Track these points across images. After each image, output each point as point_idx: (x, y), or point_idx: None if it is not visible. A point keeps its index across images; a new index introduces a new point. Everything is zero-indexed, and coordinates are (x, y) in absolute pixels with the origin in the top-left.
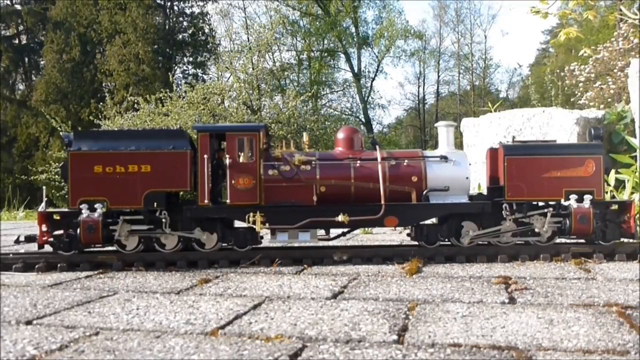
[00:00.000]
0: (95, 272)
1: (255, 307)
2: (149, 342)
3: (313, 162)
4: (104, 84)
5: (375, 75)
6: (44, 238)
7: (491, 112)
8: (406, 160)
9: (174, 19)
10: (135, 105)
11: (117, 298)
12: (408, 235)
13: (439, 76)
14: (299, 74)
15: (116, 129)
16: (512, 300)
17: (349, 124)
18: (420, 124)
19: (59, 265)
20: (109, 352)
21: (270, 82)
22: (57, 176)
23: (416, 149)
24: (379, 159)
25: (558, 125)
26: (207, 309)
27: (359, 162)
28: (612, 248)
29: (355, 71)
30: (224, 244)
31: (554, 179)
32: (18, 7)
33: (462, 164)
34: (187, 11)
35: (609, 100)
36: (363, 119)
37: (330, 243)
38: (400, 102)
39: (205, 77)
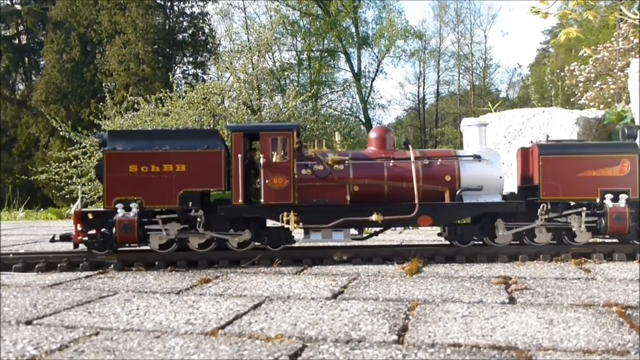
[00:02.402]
0: (95, 272)
1: (255, 307)
2: (149, 342)
3: (346, 162)
4: (104, 84)
5: (375, 75)
6: (79, 237)
7: (491, 112)
8: (439, 160)
9: (174, 19)
10: (135, 105)
11: (117, 298)
12: (439, 235)
13: (439, 76)
14: (299, 74)
15: (117, 129)
16: (512, 300)
17: (349, 124)
18: (420, 124)
19: (59, 265)
20: (109, 352)
21: (270, 82)
22: (57, 176)
23: (449, 149)
24: (412, 159)
25: (558, 125)
26: (207, 309)
27: (392, 161)
28: (612, 248)
29: (355, 71)
30: (256, 244)
31: (589, 178)
32: (18, 7)
33: (495, 163)
34: (187, 11)
35: (609, 100)
36: (363, 119)
37: (330, 243)
38: (400, 102)
39: (205, 77)
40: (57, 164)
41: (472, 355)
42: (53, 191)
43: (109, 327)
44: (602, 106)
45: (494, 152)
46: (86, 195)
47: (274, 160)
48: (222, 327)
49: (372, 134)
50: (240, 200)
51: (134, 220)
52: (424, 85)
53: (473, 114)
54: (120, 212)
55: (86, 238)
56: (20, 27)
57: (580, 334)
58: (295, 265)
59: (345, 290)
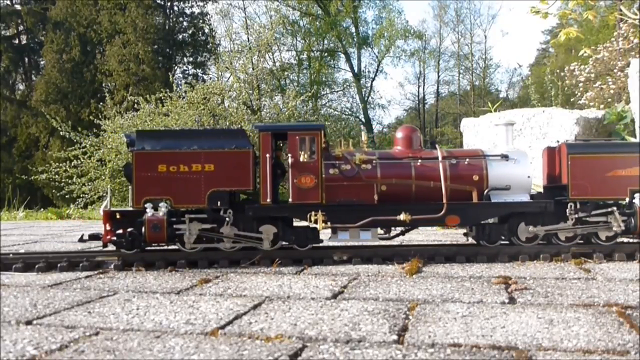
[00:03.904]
0: (95, 272)
1: (255, 307)
2: (149, 342)
3: (374, 161)
4: (104, 84)
5: (375, 75)
6: (108, 237)
7: (491, 112)
8: (467, 159)
9: (174, 19)
10: (135, 105)
11: (117, 298)
12: (465, 234)
13: (439, 76)
14: (299, 74)
15: (117, 128)
16: (512, 300)
17: (349, 124)
18: (420, 124)
19: (59, 265)
20: (109, 352)
21: (270, 82)
22: (57, 176)
23: (476, 148)
24: (440, 158)
25: (558, 125)
26: (207, 309)
27: (419, 161)
28: (612, 248)
29: (355, 71)
30: (284, 243)
31: (619, 177)
32: (18, 7)
33: (523, 162)
34: (187, 11)
35: (609, 100)
36: (363, 119)
37: (330, 243)
38: (400, 102)
39: (205, 77)
40: (57, 164)
41: (472, 355)
42: (53, 191)
43: (109, 327)
44: (602, 106)
45: (521, 152)
46: (86, 196)
47: (301, 159)
48: (222, 327)
49: (399, 134)
50: (268, 200)
51: (163, 220)
52: (424, 85)
53: (473, 114)
54: (150, 211)
55: (114, 237)
56: (20, 27)
57: (580, 334)
58: (295, 265)
59: (345, 290)
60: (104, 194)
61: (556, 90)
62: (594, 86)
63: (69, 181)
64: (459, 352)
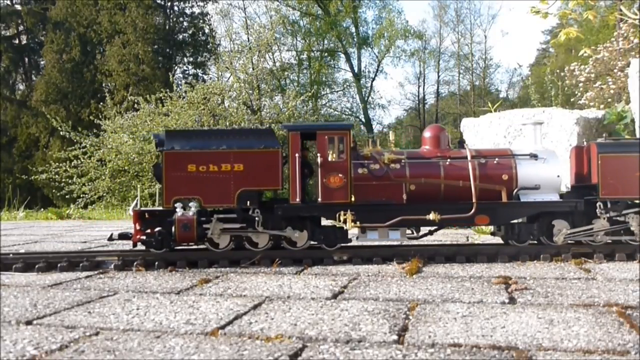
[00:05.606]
0: (95, 272)
1: (255, 307)
2: (149, 342)
3: (402, 161)
4: (104, 84)
5: (375, 75)
6: (138, 236)
7: (491, 112)
8: (496, 159)
9: (174, 19)
10: (135, 105)
11: (117, 298)
12: (492, 234)
13: (439, 76)
14: (299, 74)
15: (117, 128)
16: (512, 300)
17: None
18: (420, 124)
19: (59, 265)
20: (109, 352)
21: (270, 82)
22: (57, 176)
23: (505, 147)
24: (469, 158)
25: (558, 125)
26: (207, 309)
27: (448, 160)
28: (612, 248)
29: (355, 71)
30: (312, 242)
31: None
32: (18, 7)
33: (552, 161)
34: (187, 11)
35: (609, 100)
36: (363, 119)
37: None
38: (400, 102)
39: (205, 77)
40: (57, 164)
41: (472, 355)
42: (53, 191)
43: (109, 327)
44: (602, 106)
45: (550, 151)
46: (86, 196)
47: (330, 159)
48: (222, 327)
49: (427, 133)
50: (297, 199)
51: (192, 219)
52: (424, 85)
53: (473, 114)
54: (179, 211)
55: (144, 237)
56: (20, 27)
57: (581, 334)
58: (295, 265)
59: (345, 290)
60: (104, 194)
61: (556, 90)
62: (594, 86)
63: (69, 181)
64: (459, 352)
